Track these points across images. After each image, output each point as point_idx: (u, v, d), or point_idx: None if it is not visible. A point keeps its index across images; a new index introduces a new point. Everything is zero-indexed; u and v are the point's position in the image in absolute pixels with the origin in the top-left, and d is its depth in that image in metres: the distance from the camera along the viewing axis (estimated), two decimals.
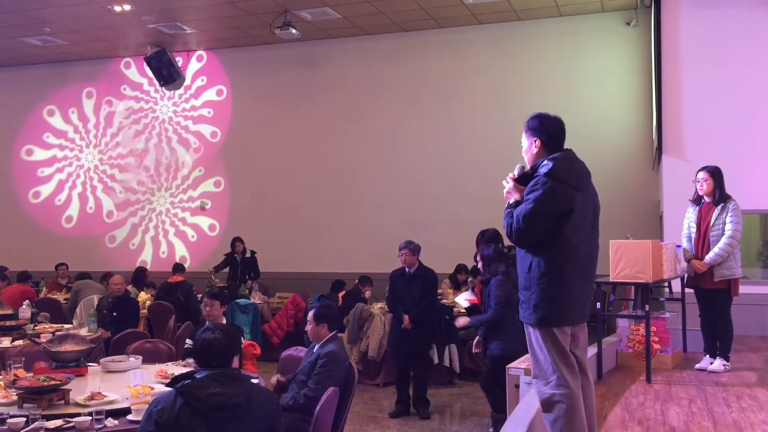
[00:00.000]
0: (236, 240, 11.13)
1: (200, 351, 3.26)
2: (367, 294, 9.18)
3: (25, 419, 3.49)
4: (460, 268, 9.98)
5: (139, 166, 13.18)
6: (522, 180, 3.58)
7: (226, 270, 11.15)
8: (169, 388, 3.16)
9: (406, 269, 7.07)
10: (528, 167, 3.61)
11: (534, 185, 3.42)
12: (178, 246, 12.92)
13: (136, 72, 13.22)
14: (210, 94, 12.80)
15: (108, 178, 13.39)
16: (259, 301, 10.04)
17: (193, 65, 12.85)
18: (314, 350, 4.64)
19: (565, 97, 10.38)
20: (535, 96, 10.63)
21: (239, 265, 11.02)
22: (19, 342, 6.25)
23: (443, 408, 7.26)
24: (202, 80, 12.81)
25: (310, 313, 4.81)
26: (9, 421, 3.46)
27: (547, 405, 3.46)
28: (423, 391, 7.02)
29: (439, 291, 9.26)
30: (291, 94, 12.23)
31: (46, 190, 13.77)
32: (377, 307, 8.41)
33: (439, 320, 7.97)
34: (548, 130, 3.54)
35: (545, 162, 3.45)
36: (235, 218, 12.48)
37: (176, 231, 12.95)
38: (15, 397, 3.85)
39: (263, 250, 11.32)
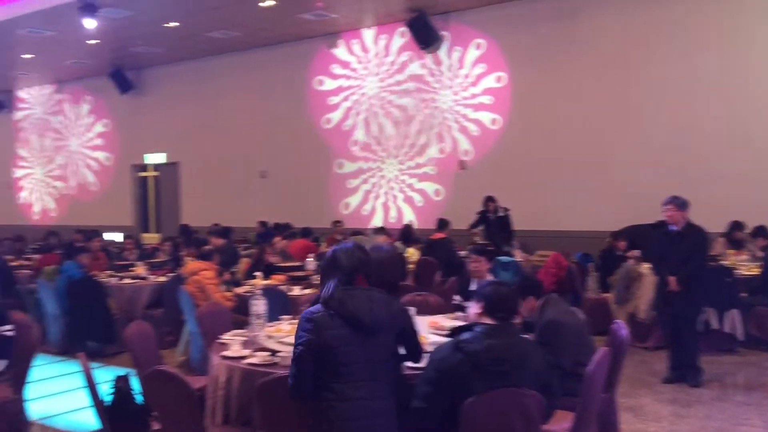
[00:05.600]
0: (488, 199, 10.99)
1: (495, 301, 3.36)
2: (621, 245, 8.72)
3: None
4: (737, 226, 9.09)
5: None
6: None
7: (482, 228, 11.13)
8: (449, 339, 3.34)
9: (671, 227, 6.54)
10: None
11: None
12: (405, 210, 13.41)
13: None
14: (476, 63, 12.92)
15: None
16: (520, 259, 10.02)
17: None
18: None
19: None
20: None
21: (492, 224, 10.98)
22: (308, 291, 7.15)
23: (723, 377, 6.72)
24: (457, 50, 12.96)
25: None
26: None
27: None
28: (692, 358, 6.53)
29: (718, 252, 8.56)
30: (547, 50, 11.86)
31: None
32: (647, 267, 7.96)
33: (718, 283, 7.36)
34: None
35: None
36: (488, 175, 12.51)
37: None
38: None
39: (519, 207, 11.21)
